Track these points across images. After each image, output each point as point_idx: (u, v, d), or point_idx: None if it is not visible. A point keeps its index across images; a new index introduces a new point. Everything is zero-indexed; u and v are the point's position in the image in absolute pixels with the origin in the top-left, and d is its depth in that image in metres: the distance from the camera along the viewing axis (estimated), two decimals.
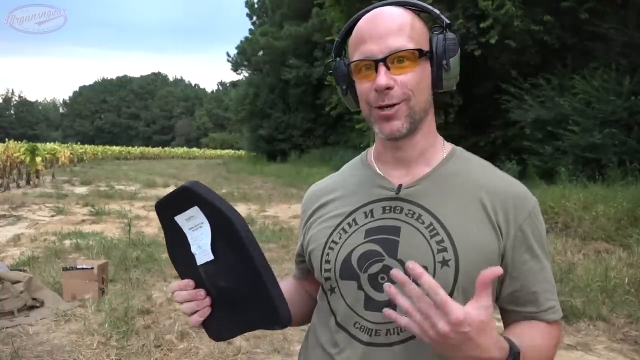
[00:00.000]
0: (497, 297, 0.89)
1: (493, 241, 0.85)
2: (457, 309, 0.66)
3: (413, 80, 0.84)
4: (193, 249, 0.81)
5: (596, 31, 10.68)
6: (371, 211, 0.91)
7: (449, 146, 0.95)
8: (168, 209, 0.83)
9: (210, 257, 0.79)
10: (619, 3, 10.95)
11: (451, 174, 0.90)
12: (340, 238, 0.91)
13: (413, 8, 0.88)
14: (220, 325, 0.85)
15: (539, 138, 11.24)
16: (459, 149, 0.96)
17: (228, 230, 0.78)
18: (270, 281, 0.78)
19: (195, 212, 0.79)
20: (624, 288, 4.39)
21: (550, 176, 9.95)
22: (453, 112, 13.67)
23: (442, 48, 0.85)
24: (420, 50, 0.83)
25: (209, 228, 0.78)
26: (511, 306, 0.89)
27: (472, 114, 14.27)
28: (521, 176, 11.50)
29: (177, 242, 0.83)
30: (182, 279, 0.85)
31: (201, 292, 0.82)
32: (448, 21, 0.86)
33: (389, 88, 0.83)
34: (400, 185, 0.90)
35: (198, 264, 0.81)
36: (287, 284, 1.09)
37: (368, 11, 0.89)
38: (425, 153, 0.92)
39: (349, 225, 0.92)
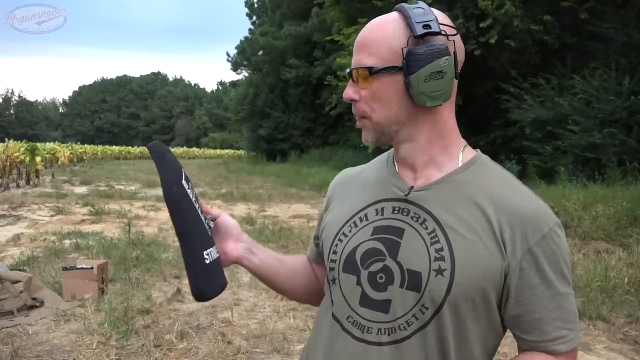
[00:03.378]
0: (502, 319, 0.87)
1: (496, 258, 0.82)
2: None
3: (371, 96, 0.86)
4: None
5: (596, 31, 10.68)
6: (382, 209, 0.91)
7: (470, 153, 0.92)
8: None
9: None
10: (619, 3, 10.95)
11: (464, 183, 0.87)
12: (350, 232, 0.93)
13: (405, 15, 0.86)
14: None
15: (539, 138, 11.24)
16: (484, 157, 0.92)
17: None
18: (189, 254, 0.89)
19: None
20: (624, 288, 4.39)
21: (550, 176, 9.95)
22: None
23: (403, 63, 0.83)
24: (370, 69, 0.84)
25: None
26: (516, 331, 0.86)
27: (472, 114, 14.27)
28: (521, 176, 11.50)
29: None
30: None
31: None
32: (419, 32, 0.81)
33: (353, 100, 0.89)
34: (411, 188, 0.89)
35: None
36: (297, 258, 1.15)
37: None
38: (435, 158, 0.89)
39: (361, 220, 0.93)
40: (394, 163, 0.96)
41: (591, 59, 11.11)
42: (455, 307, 0.82)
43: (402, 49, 0.82)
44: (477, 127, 14.11)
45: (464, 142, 0.92)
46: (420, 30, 0.81)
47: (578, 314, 0.87)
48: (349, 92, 0.88)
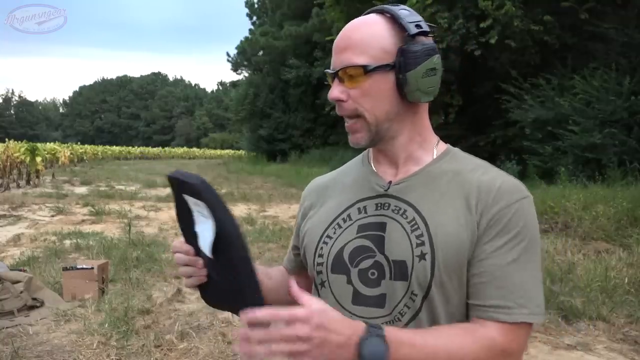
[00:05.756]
0: None
1: (470, 232, 0.84)
2: (300, 311, 0.68)
3: (362, 95, 0.87)
4: (196, 229, 0.82)
5: (596, 31, 10.69)
6: (364, 207, 0.93)
7: (443, 147, 0.96)
8: (178, 186, 0.83)
9: (209, 254, 0.80)
10: (619, 3, 10.95)
11: (440, 172, 0.91)
12: (334, 233, 0.94)
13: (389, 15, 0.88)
14: (213, 296, 0.87)
15: (539, 138, 11.25)
16: (455, 149, 0.96)
17: (226, 245, 0.78)
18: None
19: (202, 207, 0.79)
20: (624, 288, 4.38)
21: (550, 176, 9.95)
22: (453, 112, 13.68)
23: (399, 61, 0.85)
24: (365, 67, 0.85)
25: (213, 228, 0.78)
26: (467, 298, 0.86)
27: (472, 114, 14.28)
28: (521, 176, 11.50)
29: (184, 210, 0.84)
30: (186, 241, 0.87)
31: (199, 261, 0.85)
32: (413, 31, 0.84)
33: (340, 100, 0.88)
34: (390, 182, 0.92)
35: (199, 246, 0.82)
36: (275, 270, 1.13)
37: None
38: (413, 154, 0.93)
39: (344, 220, 0.94)
40: (369, 162, 0.99)
41: (591, 59, 11.11)
42: (442, 288, 0.83)
43: (400, 47, 0.85)
44: (477, 127, 14.12)
45: (436, 137, 0.96)
46: (414, 30, 0.84)
47: (538, 294, 0.83)
48: (335, 92, 0.88)
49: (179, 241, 0.88)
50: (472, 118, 14.22)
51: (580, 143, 9.90)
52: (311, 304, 0.70)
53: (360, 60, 0.85)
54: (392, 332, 0.74)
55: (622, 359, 3.32)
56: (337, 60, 0.88)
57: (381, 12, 0.89)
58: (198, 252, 0.85)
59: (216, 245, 0.79)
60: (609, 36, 10.61)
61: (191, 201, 0.81)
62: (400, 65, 0.84)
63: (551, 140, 10.82)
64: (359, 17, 0.91)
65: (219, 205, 0.78)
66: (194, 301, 4.50)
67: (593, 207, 6.79)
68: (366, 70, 0.85)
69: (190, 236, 0.85)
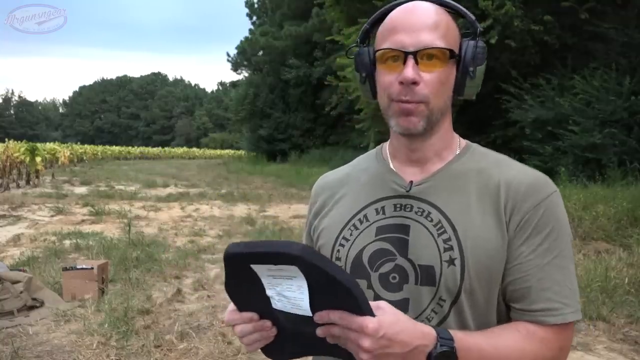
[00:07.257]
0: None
1: (500, 235, 0.81)
2: (371, 324, 0.67)
3: (438, 81, 0.82)
4: (269, 293, 0.76)
5: (596, 31, 10.68)
6: (382, 208, 0.89)
7: (462, 143, 0.93)
8: (249, 259, 0.73)
9: (307, 313, 0.74)
10: (619, 3, 10.94)
11: (463, 170, 0.88)
12: (351, 235, 0.90)
13: (449, 10, 0.86)
14: (284, 347, 0.83)
15: (539, 138, 11.24)
16: (475, 145, 0.94)
17: (346, 298, 0.72)
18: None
19: (291, 270, 0.71)
20: (624, 288, 4.38)
21: (550, 176, 9.69)
22: (453, 112, 13.63)
23: (472, 54, 0.83)
24: (451, 51, 0.81)
25: (306, 287, 0.72)
26: (508, 301, 0.84)
27: (472, 114, 14.26)
28: None
29: (242, 279, 0.77)
30: (241, 310, 0.79)
31: (267, 323, 0.79)
32: (482, 28, 0.84)
33: (414, 83, 0.81)
34: (411, 182, 0.89)
35: (275, 307, 0.77)
36: None
37: (402, 3, 0.86)
38: (440, 153, 0.90)
39: (360, 221, 0.90)
40: (384, 159, 0.95)
41: (591, 59, 11.10)
42: (472, 293, 0.81)
43: (470, 40, 0.84)
44: (477, 127, 14.10)
45: (457, 135, 0.95)
46: (480, 28, 0.85)
47: (576, 289, 0.83)
48: (413, 73, 0.80)
49: (234, 312, 0.80)
50: (472, 118, 14.19)
51: (580, 143, 9.90)
52: (384, 313, 0.70)
53: (443, 43, 0.81)
54: (461, 340, 0.74)
55: (622, 359, 3.32)
56: (412, 39, 0.80)
57: (439, 4, 0.85)
58: (262, 314, 0.80)
59: (318, 299, 0.73)
60: (609, 36, 10.60)
61: (265, 267, 0.74)
62: (469, 57, 0.83)
63: (551, 140, 10.81)
64: (417, 2, 0.85)
65: (325, 262, 0.70)
66: (193, 301, 4.50)
67: (593, 207, 6.78)
68: (452, 55, 0.82)
69: (250, 302, 0.80)
